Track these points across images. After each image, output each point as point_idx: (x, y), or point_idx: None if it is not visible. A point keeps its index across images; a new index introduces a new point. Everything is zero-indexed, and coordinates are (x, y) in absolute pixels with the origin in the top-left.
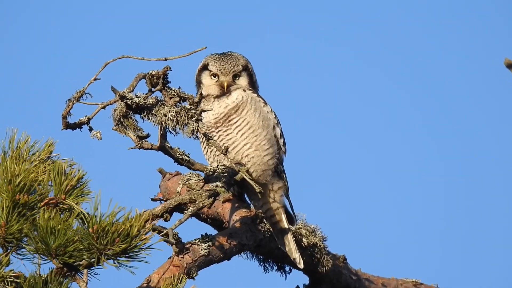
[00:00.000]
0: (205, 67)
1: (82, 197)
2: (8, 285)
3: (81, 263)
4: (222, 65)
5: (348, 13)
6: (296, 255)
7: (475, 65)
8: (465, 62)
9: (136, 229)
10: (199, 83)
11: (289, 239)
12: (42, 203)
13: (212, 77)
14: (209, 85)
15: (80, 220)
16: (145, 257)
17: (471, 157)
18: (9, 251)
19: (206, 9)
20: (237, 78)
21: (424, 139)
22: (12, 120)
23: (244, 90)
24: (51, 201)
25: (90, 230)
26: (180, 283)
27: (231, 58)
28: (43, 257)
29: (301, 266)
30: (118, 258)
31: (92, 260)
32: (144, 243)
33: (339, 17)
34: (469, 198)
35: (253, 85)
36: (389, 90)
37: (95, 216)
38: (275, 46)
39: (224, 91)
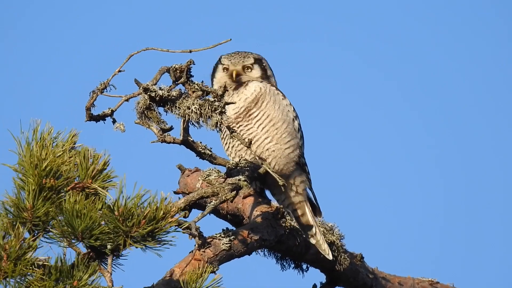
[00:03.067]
0: (219, 63)
1: (108, 182)
2: (37, 268)
3: (108, 247)
4: (233, 57)
5: (351, 16)
6: (324, 246)
7: (476, 67)
8: (466, 63)
9: (162, 211)
10: (212, 79)
11: (316, 231)
12: (69, 188)
13: (224, 70)
14: (220, 77)
15: (105, 203)
16: (171, 240)
17: (470, 156)
18: (36, 235)
19: (206, 10)
20: (249, 70)
21: (423, 138)
22: (36, 113)
23: (261, 81)
24: (77, 186)
25: (116, 213)
26: (203, 274)
27: (243, 52)
28: (70, 240)
29: (330, 257)
30: (145, 240)
31: (119, 243)
32: (171, 226)
33: (341, 19)
34: (490, 196)
35: (267, 78)
36: (390, 91)
37: (120, 198)
38: (276, 49)
39: (233, 80)
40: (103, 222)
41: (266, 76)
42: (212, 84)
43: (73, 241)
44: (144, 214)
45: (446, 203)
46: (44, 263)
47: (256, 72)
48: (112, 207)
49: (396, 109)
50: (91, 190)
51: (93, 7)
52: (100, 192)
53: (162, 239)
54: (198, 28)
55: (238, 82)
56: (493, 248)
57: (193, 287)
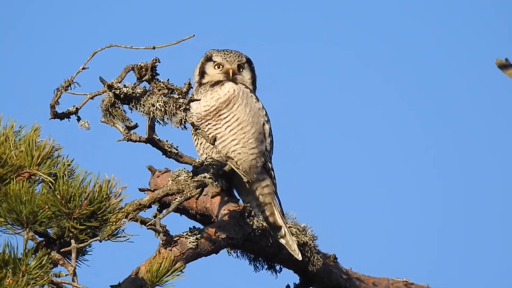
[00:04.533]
0: (208, 60)
1: (55, 168)
2: None
3: (54, 232)
4: (227, 54)
5: (350, 16)
6: (294, 246)
7: (475, 67)
8: (465, 64)
9: (104, 192)
10: (202, 74)
11: (285, 232)
12: (15, 175)
13: (216, 67)
14: (214, 74)
15: (50, 189)
16: (119, 220)
17: (468, 158)
18: None
19: (206, 10)
20: (241, 70)
21: (421, 139)
22: (36, 113)
23: (236, 84)
24: (22, 173)
25: (58, 196)
26: (163, 264)
27: (236, 51)
28: (16, 227)
29: (300, 258)
30: (87, 221)
31: (64, 227)
32: (114, 207)
33: (341, 19)
34: (462, 198)
35: (254, 82)
36: (388, 92)
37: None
38: (275, 49)
39: (230, 79)
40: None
41: (254, 80)
42: (199, 80)
43: (18, 227)
44: (86, 195)
45: (443, 203)
46: None
47: (247, 74)
48: (54, 190)
49: (394, 110)
50: (38, 178)
51: (93, 7)
52: (45, 179)
53: (112, 220)
54: (198, 28)
55: (234, 81)
56: (468, 247)
57: (154, 276)
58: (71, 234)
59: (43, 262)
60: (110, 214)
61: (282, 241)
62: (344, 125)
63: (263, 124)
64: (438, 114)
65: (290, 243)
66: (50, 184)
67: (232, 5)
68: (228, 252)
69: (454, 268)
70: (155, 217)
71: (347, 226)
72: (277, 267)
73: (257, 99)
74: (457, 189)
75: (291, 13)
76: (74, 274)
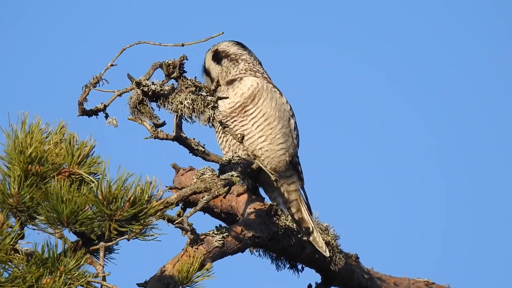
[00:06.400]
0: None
1: (94, 167)
2: (21, 255)
3: (94, 232)
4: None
5: (351, 16)
6: (321, 242)
7: (477, 67)
8: (467, 63)
9: (146, 195)
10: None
11: (313, 228)
12: (54, 174)
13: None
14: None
15: (91, 188)
16: (157, 224)
17: (473, 156)
18: (24, 222)
19: (206, 9)
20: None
21: (425, 139)
22: (27, 107)
23: (257, 77)
24: (63, 172)
25: (100, 196)
26: (193, 264)
27: None
28: (56, 226)
29: (327, 254)
30: (129, 224)
31: (104, 228)
32: (157, 209)
33: (342, 19)
34: (486, 197)
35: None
36: (391, 92)
37: (104, 182)
38: (277, 49)
39: None
40: (89, 209)
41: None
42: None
43: (59, 227)
44: (128, 197)
45: (447, 203)
46: (31, 251)
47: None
48: (96, 191)
49: (397, 110)
50: (77, 177)
51: (93, 7)
52: (86, 178)
53: (148, 224)
54: (198, 28)
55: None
56: (493, 248)
57: (184, 277)
58: (111, 235)
59: (81, 263)
60: (152, 217)
61: (310, 237)
62: (348, 125)
63: (289, 118)
64: (442, 114)
65: (317, 239)
66: (91, 184)
67: (233, 5)
68: (250, 251)
69: (475, 268)
70: (179, 215)
71: (369, 226)
72: (299, 266)
73: (281, 94)
74: (476, 187)
75: (293, 13)
76: (103, 272)
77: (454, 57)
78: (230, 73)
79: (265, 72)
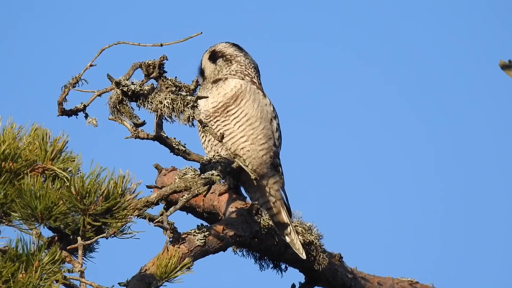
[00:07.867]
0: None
1: (68, 162)
2: None
3: (69, 228)
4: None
5: (350, 16)
6: (298, 245)
7: (475, 67)
8: (465, 63)
9: (119, 188)
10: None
11: (291, 231)
12: (28, 170)
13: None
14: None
15: (64, 184)
16: (131, 217)
17: (469, 158)
18: None
19: (205, 9)
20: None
21: (422, 139)
22: (36, 112)
23: (243, 79)
24: (36, 168)
25: (73, 192)
26: (171, 259)
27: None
28: (31, 222)
29: (304, 257)
30: (103, 218)
31: (78, 222)
32: (129, 203)
33: (340, 19)
34: (465, 198)
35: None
36: (389, 91)
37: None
38: (275, 49)
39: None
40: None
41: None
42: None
43: (33, 223)
44: (101, 191)
45: (434, 202)
46: (6, 247)
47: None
48: (69, 186)
49: (394, 109)
50: (51, 173)
51: (93, 7)
52: (59, 174)
53: (123, 218)
54: (198, 28)
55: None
56: (476, 247)
57: (162, 272)
58: (85, 230)
59: (56, 258)
60: (125, 211)
61: (287, 239)
62: (345, 124)
63: (271, 120)
64: (439, 114)
65: (295, 242)
66: (64, 179)
67: (233, 5)
68: (234, 251)
69: (458, 267)
70: (161, 215)
71: (353, 225)
72: (283, 266)
73: (264, 95)
74: (459, 187)
75: (293, 13)
76: (81, 271)
77: (450, 56)
78: (221, 72)
79: (256, 76)
